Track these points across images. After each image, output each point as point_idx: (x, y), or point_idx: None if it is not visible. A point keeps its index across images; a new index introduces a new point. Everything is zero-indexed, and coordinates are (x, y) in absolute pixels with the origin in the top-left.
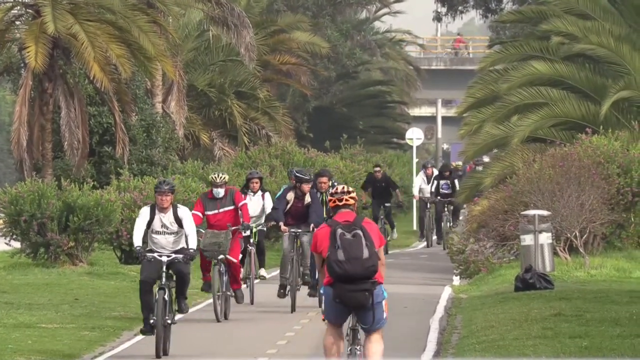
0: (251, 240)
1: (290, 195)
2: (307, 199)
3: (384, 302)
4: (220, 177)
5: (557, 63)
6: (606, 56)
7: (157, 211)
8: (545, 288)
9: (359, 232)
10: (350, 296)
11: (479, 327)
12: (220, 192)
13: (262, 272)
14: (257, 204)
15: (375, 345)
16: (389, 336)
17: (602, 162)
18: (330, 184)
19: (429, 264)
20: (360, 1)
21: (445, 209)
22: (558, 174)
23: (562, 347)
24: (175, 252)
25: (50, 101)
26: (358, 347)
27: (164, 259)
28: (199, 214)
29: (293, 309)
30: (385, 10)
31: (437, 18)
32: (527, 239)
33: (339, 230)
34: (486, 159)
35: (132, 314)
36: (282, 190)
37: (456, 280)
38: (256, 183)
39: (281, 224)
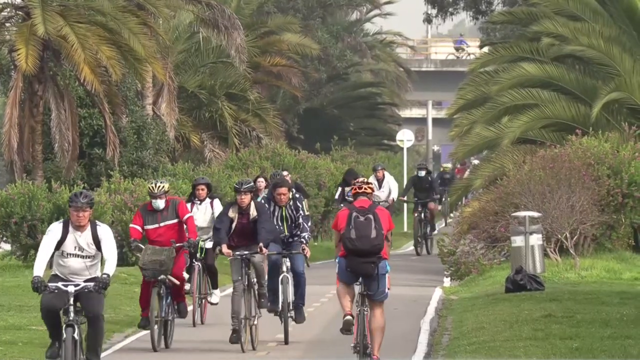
0: (197, 255)
1: (233, 212)
2: (253, 212)
3: (387, 276)
4: (159, 187)
5: (547, 64)
6: (596, 57)
7: (71, 229)
8: (535, 289)
9: (371, 216)
10: (360, 267)
11: (469, 329)
12: (159, 203)
13: (213, 296)
14: (205, 213)
15: (379, 319)
16: None
17: (593, 163)
18: (290, 196)
19: (420, 266)
20: (351, 3)
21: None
22: (548, 175)
23: (552, 349)
24: (88, 281)
25: (40, 103)
26: (366, 309)
27: (71, 288)
28: (138, 227)
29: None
30: (375, 12)
31: (428, 20)
32: (518, 241)
33: (354, 214)
34: (475, 161)
35: (123, 315)
36: (225, 206)
37: (447, 282)
38: (202, 190)
39: (223, 246)
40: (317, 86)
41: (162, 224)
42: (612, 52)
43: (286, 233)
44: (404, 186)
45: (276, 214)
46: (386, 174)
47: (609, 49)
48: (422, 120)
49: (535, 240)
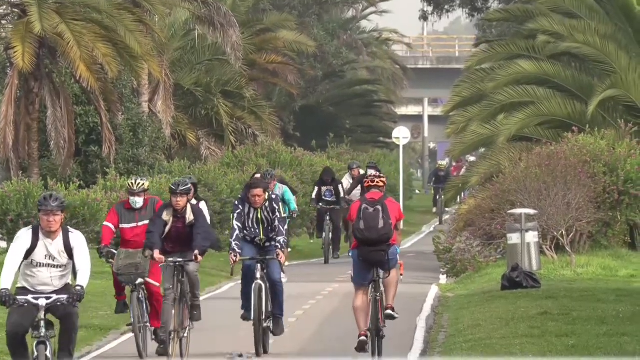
0: None
1: (167, 215)
2: (189, 216)
3: (397, 258)
4: (139, 184)
5: (543, 62)
6: (592, 55)
7: (41, 236)
8: (531, 287)
9: (379, 207)
10: (370, 255)
11: (465, 326)
12: (138, 201)
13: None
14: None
15: (392, 275)
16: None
17: (589, 160)
18: (266, 197)
19: (416, 263)
20: (347, 0)
21: (328, 218)
22: (544, 172)
23: (548, 346)
24: (59, 291)
25: (36, 100)
26: (378, 294)
27: (42, 301)
28: (112, 226)
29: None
30: (371, 9)
31: (424, 17)
32: (514, 238)
33: (364, 205)
34: (472, 158)
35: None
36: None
37: (443, 279)
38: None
39: (155, 251)
40: (313, 84)
41: (139, 224)
42: (608, 49)
43: (262, 237)
44: (353, 186)
45: (251, 216)
46: (362, 172)
47: (604, 46)
48: (418, 118)
49: (532, 237)
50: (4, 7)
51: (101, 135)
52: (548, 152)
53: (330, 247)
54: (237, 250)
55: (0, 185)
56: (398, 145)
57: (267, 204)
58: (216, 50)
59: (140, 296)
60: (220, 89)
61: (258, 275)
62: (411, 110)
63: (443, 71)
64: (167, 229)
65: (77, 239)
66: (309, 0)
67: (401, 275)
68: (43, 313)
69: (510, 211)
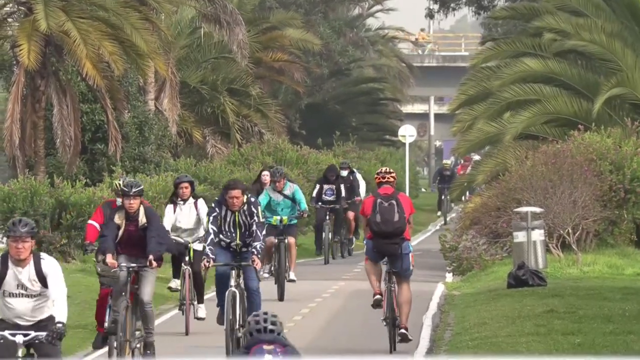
0: (186, 259)
1: (120, 217)
2: (142, 219)
3: (410, 255)
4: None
5: (550, 60)
6: (598, 53)
7: (10, 264)
8: (537, 285)
9: (394, 201)
10: (385, 247)
11: (471, 324)
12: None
13: (199, 311)
14: (189, 214)
15: (405, 293)
16: (380, 333)
17: (595, 159)
18: (244, 200)
19: (422, 261)
20: None
21: (327, 217)
22: (550, 170)
23: (554, 344)
24: (38, 324)
25: (42, 98)
26: (393, 285)
27: (19, 338)
28: (97, 225)
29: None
30: (377, 7)
31: (430, 15)
32: (520, 236)
33: (379, 200)
34: (476, 157)
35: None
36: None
37: (449, 277)
38: (186, 189)
39: (108, 256)
40: (319, 82)
41: None
42: (614, 47)
43: (238, 242)
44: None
45: (228, 219)
46: (355, 171)
47: (611, 44)
48: (424, 116)
49: (538, 235)
50: (10, 5)
51: (107, 133)
52: (554, 150)
53: (331, 247)
54: (211, 256)
55: (7, 183)
56: (404, 143)
57: (245, 207)
58: (222, 48)
59: (127, 302)
60: (227, 87)
61: (232, 282)
62: (417, 108)
63: (449, 69)
64: (120, 232)
65: (50, 265)
66: None
67: (412, 266)
68: (21, 351)
69: (516, 209)
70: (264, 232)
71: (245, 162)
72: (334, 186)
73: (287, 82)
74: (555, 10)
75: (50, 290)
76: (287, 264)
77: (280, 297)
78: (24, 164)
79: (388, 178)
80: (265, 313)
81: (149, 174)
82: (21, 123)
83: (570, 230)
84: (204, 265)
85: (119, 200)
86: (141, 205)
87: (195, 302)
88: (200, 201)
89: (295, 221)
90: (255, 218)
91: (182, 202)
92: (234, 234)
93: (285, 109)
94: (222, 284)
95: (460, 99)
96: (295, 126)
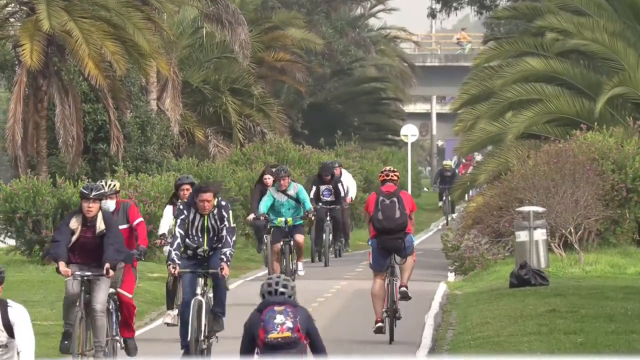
0: None
1: (76, 222)
2: (100, 225)
3: (413, 245)
4: (110, 185)
5: (552, 59)
6: (600, 52)
7: None
8: (540, 284)
9: (395, 199)
10: (388, 243)
11: (473, 324)
12: (110, 204)
13: (167, 317)
14: None
15: (408, 262)
16: (383, 335)
17: (597, 158)
18: (215, 204)
19: (424, 260)
20: None
21: (328, 218)
22: (553, 170)
23: (557, 343)
24: None
25: (44, 98)
26: (395, 279)
27: None
28: None
29: None
30: (379, 7)
31: (432, 15)
32: (522, 236)
33: (381, 198)
34: (478, 157)
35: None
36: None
37: (451, 277)
38: (187, 190)
39: (61, 264)
40: (321, 81)
41: None
42: (617, 46)
43: (205, 247)
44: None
45: (196, 223)
46: (344, 171)
47: (613, 43)
48: (426, 115)
49: (540, 235)
50: (13, 4)
51: (109, 133)
52: (556, 149)
53: (330, 249)
54: (177, 262)
55: (9, 183)
56: (406, 143)
57: (215, 210)
58: (224, 48)
59: (111, 307)
60: (229, 87)
61: (199, 290)
62: (419, 107)
63: (451, 69)
64: (74, 238)
65: (18, 313)
66: None
67: (414, 261)
68: None
69: (518, 209)
70: (234, 238)
71: (247, 161)
72: (331, 186)
73: (289, 81)
74: (557, 10)
75: (17, 339)
76: (292, 266)
77: None
78: (26, 163)
79: (392, 176)
80: (278, 276)
81: (151, 173)
82: (23, 123)
83: (572, 230)
84: (170, 271)
85: (104, 202)
86: (100, 211)
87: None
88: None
89: (300, 222)
90: (226, 223)
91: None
92: (201, 239)
93: (288, 108)
94: (186, 292)
95: (462, 99)
96: (297, 126)
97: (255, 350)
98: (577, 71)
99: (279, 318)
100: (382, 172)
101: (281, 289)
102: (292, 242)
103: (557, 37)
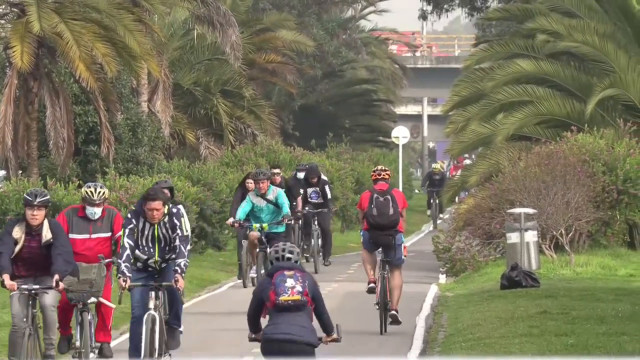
0: None
1: (19, 231)
2: (46, 234)
3: (402, 246)
4: (99, 193)
5: (542, 61)
6: (591, 54)
7: None
8: (531, 286)
9: (389, 197)
10: (380, 238)
11: (465, 325)
12: (96, 212)
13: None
14: None
15: (397, 279)
16: (374, 334)
17: (588, 160)
18: (166, 211)
19: (415, 262)
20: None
21: (315, 224)
22: (544, 172)
23: (548, 345)
24: None
25: (35, 100)
26: (386, 272)
27: None
28: None
29: None
30: (371, 8)
31: (423, 16)
32: (513, 237)
33: (375, 195)
34: (467, 161)
35: (117, 312)
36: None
37: (442, 278)
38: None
39: (5, 276)
40: (312, 83)
41: (93, 236)
42: (607, 48)
43: (157, 258)
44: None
45: (146, 232)
46: (323, 177)
47: (603, 45)
48: (418, 117)
49: (531, 236)
50: (3, 6)
51: (100, 135)
52: (547, 151)
53: (320, 254)
54: (128, 274)
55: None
56: (397, 145)
57: (166, 219)
58: (215, 50)
59: (90, 318)
60: (220, 89)
61: (151, 304)
62: (410, 109)
63: (442, 71)
64: (17, 248)
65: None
66: (308, 0)
67: (405, 256)
68: None
69: (509, 210)
70: (188, 247)
71: (238, 163)
72: (318, 188)
73: (280, 83)
74: (548, 12)
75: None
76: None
77: None
78: (17, 165)
79: (384, 175)
80: (284, 244)
81: (142, 175)
82: (14, 125)
83: (563, 231)
84: (121, 285)
85: (89, 211)
86: (45, 219)
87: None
88: (180, 208)
89: (282, 229)
90: (178, 231)
91: None
92: (152, 249)
93: (279, 110)
94: (138, 307)
95: (453, 100)
96: (288, 127)
97: (262, 314)
98: (567, 73)
99: (290, 282)
100: (374, 172)
101: (287, 255)
102: (267, 250)
103: (548, 39)
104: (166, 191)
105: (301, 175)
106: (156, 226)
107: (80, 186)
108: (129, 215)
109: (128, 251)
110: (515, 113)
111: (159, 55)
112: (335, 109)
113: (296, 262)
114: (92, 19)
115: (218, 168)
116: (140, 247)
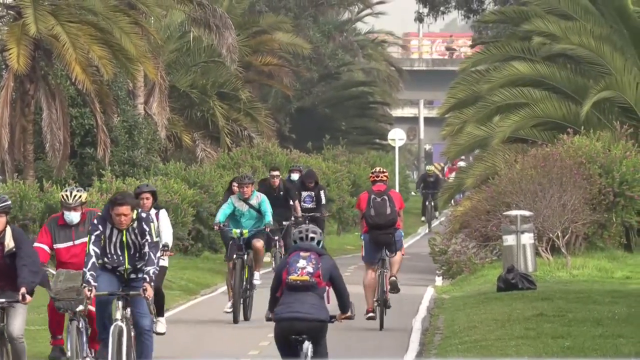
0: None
1: None
2: (9, 243)
3: (402, 240)
4: (75, 196)
5: (539, 63)
6: (587, 56)
7: None
8: (527, 288)
9: (386, 197)
10: (380, 237)
11: (461, 328)
12: (74, 217)
13: (159, 325)
14: None
15: (397, 257)
16: (371, 336)
17: (584, 162)
18: (134, 216)
19: (412, 265)
20: (342, 2)
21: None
22: (540, 174)
23: (544, 347)
24: None
25: (31, 102)
26: (385, 271)
27: None
28: (46, 247)
29: None
30: (367, 11)
31: (419, 19)
32: (510, 240)
33: (373, 196)
34: (461, 163)
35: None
36: None
37: (439, 281)
38: (147, 199)
39: None
40: (308, 85)
41: (77, 242)
42: (603, 50)
43: (127, 266)
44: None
45: (114, 239)
46: (162, 213)
47: (599, 47)
48: (414, 120)
49: (527, 239)
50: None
51: (96, 137)
52: (543, 153)
53: None
54: (93, 283)
55: None
56: (394, 147)
57: (135, 224)
58: (212, 52)
59: (81, 326)
60: (216, 91)
61: (118, 315)
62: (407, 112)
63: (438, 73)
64: None
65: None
66: (304, 2)
67: (403, 255)
68: None
69: (505, 213)
70: (158, 254)
71: (235, 166)
72: (313, 193)
73: (276, 85)
74: (544, 14)
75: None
76: (244, 283)
77: (245, 317)
78: (13, 168)
79: (382, 177)
80: (308, 224)
81: (138, 178)
82: (10, 127)
83: (559, 234)
84: (86, 294)
85: (67, 215)
86: (7, 226)
87: (155, 318)
88: (163, 212)
89: (261, 236)
90: (148, 237)
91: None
92: (121, 257)
93: (275, 112)
94: (104, 317)
95: (449, 103)
96: (285, 130)
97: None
98: (564, 75)
99: (302, 262)
100: (372, 173)
101: (311, 235)
102: (245, 257)
103: (544, 41)
104: (149, 195)
105: (295, 176)
106: (124, 232)
107: None
108: (95, 221)
109: (94, 259)
110: (511, 115)
111: (155, 57)
112: (331, 111)
113: (319, 242)
114: (89, 21)
115: (214, 170)
116: (109, 255)
